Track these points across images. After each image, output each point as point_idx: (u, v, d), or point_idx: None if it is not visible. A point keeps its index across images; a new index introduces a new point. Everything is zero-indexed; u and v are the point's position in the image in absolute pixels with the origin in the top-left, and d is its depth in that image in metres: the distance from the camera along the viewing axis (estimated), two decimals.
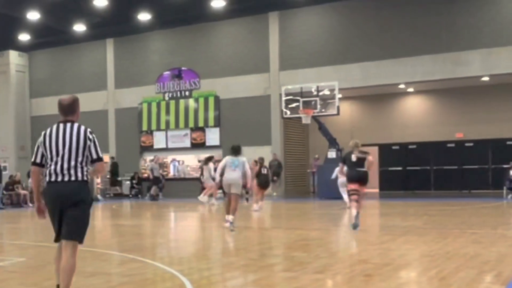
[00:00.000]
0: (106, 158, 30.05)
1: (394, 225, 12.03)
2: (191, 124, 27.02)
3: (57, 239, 5.12)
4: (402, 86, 24.20)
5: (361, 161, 11.65)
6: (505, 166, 21.83)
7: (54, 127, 5.08)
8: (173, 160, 27.79)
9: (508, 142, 23.25)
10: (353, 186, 11.57)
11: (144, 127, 28.15)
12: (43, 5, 23.37)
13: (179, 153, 27.44)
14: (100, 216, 18.12)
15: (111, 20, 25.59)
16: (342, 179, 17.73)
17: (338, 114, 22.20)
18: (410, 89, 25.30)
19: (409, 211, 15.89)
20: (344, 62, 23.47)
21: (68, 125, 5.08)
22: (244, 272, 6.66)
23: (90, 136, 5.08)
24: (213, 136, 26.48)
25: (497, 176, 22.66)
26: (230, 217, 11.69)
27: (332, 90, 22.04)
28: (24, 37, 28.14)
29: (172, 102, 27.53)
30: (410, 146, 25.18)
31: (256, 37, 25.62)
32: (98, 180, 29.82)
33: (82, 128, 5.09)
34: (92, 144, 5.07)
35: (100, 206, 22.22)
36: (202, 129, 26.79)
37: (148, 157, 28.49)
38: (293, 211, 16.93)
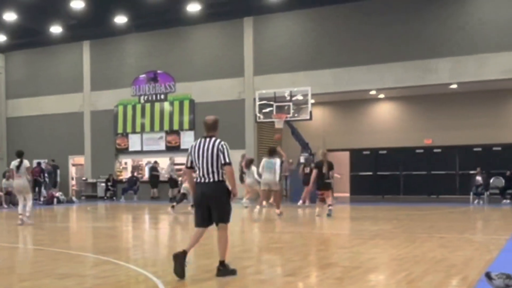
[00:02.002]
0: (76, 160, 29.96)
1: (364, 229, 12.22)
2: (166, 127, 27.06)
3: (197, 225, 6.87)
4: (373, 92, 24.53)
5: (328, 173, 14.69)
6: (471, 172, 22.29)
7: (199, 140, 6.75)
8: (148, 162, 27.79)
9: (475, 149, 23.72)
10: (321, 192, 15.01)
11: (120, 130, 28.10)
12: (20, 6, 23.12)
13: (154, 155, 27.43)
14: (74, 218, 18.05)
15: (87, 22, 25.43)
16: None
17: (310, 119, 22.41)
18: (381, 96, 25.64)
19: (379, 215, 16.10)
20: (317, 68, 23.75)
21: (208, 139, 6.69)
22: None
23: (221, 147, 6.61)
24: (188, 139, 26.49)
25: (464, 181, 23.11)
26: (277, 211, 14.29)
27: (305, 95, 22.26)
28: (0, 38, 27.77)
29: (148, 105, 27.53)
30: (380, 152, 25.49)
31: (231, 41, 25.77)
32: (73, 182, 29.80)
33: (217, 141, 6.65)
34: (221, 153, 6.58)
35: (74, 208, 22.09)
36: (177, 132, 26.84)
37: (123, 159, 28.50)
38: (265, 214, 17.02)
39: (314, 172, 14.98)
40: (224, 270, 6.65)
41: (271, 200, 17.30)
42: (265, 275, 6.83)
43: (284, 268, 7.20)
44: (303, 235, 11.75)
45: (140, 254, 9.11)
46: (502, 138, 23.25)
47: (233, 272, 6.68)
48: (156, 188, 26.00)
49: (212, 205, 6.63)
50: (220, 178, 6.62)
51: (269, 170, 14.30)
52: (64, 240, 11.38)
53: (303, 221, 15.13)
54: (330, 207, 14.74)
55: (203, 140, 6.72)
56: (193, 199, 7.05)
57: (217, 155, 6.56)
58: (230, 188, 6.71)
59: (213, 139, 6.67)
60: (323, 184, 14.82)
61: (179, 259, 6.53)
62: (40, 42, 28.89)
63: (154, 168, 26.35)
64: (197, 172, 6.70)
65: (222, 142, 6.65)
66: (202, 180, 6.65)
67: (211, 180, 6.59)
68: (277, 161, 14.45)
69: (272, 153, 14.78)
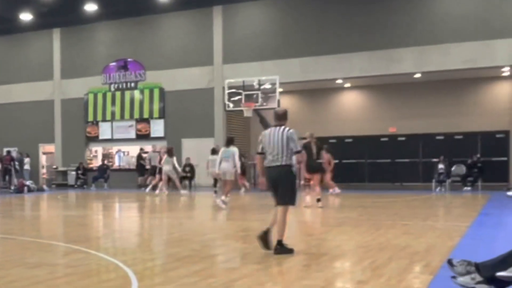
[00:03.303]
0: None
1: (330, 216, 12.46)
2: (136, 115, 26.98)
3: (276, 204, 7.44)
4: (339, 81, 24.81)
5: (319, 153, 14.12)
6: (434, 160, 22.79)
7: (270, 129, 7.38)
8: (119, 151, 27.70)
9: (438, 137, 24.20)
10: (310, 176, 14.26)
11: (90, 118, 27.91)
12: None
13: (124, 144, 27.36)
14: (45, 207, 17.90)
15: (58, 10, 25.19)
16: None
17: (278, 107, 22.56)
18: (347, 85, 25.94)
19: (345, 202, 16.34)
20: (285, 57, 23.92)
21: (278, 128, 7.34)
22: (186, 262, 6.79)
23: (290, 135, 7.25)
24: (157, 128, 26.53)
25: (427, 169, 23.59)
26: (223, 198, 14.11)
27: (273, 84, 22.43)
28: None
29: (118, 93, 27.39)
30: (346, 140, 25.76)
31: (200, 30, 25.75)
32: (44, 170, 29.53)
33: (287, 129, 7.30)
34: (292, 141, 7.23)
35: (45, 196, 21.88)
36: (147, 121, 26.80)
37: (94, 147, 28.32)
38: (234, 202, 17.16)
39: (303, 154, 14.35)
40: (281, 248, 7.24)
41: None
42: (233, 263, 6.95)
43: (252, 256, 7.30)
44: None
45: (111, 242, 9.15)
46: (464, 127, 23.78)
47: (290, 251, 7.27)
48: (143, 176, 25.73)
49: (278, 187, 7.30)
50: (288, 163, 7.24)
51: (226, 159, 14.31)
52: (34, 229, 11.36)
53: (271, 209, 15.27)
54: (320, 202, 14.04)
55: (273, 128, 7.39)
56: (260, 182, 7.78)
57: (287, 142, 7.21)
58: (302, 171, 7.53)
59: (283, 127, 7.34)
60: (313, 166, 14.00)
61: (264, 238, 7.29)
62: (10, 30, 28.54)
63: (140, 156, 26.04)
64: (268, 157, 7.33)
65: (291, 130, 7.33)
66: (272, 164, 7.29)
67: (280, 164, 7.22)
68: (235, 150, 14.43)
69: (229, 142, 14.66)
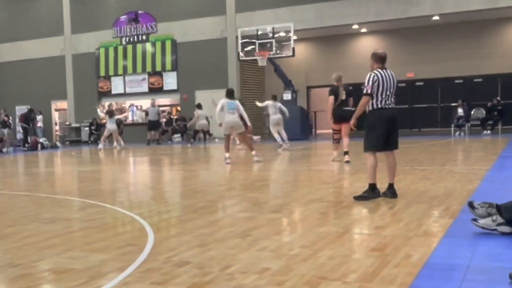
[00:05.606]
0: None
1: (346, 164, 12.33)
2: (149, 69, 26.80)
3: (379, 149, 7.46)
4: (355, 26, 24.33)
5: (348, 99, 12.49)
6: (453, 104, 22.45)
7: (382, 72, 7.14)
8: (132, 105, 27.65)
9: (456, 81, 23.78)
10: (338, 127, 12.69)
11: (102, 73, 27.81)
12: None
13: (137, 98, 27.29)
14: (59, 163, 18.00)
15: None
16: (276, 116, 17.88)
17: (293, 55, 22.26)
18: (363, 30, 25.44)
19: (362, 149, 16.12)
20: (299, 3, 23.45)
21: (388, 71, 7.22)
22: (202, 214, 6.75)
23: (396, 79, 7.24)
24: (170, 80, 26.37)
25: (446, 114, 23.30)
26: (253, 152, 13.77)
27: (287, 32, 22.07)
28: None
29: (129, 47, 27.15)
30: (363, 86, 25.46)
31: None
32: (57, 127, 29.65)
33: (393, 73, 7.25)
34: (397, 86, 7.22)
35: (59, 153, 22.02)
36: (159, 74, 26.60)
37: (106, 102, 28.31)
38: (249, 152, 17.15)
39: (330, 99, 12.49)
40: (393, 191, 7.34)
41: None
42: (249, 212, 6.89)
43: (268, 205, 7.27)
44: (287, 172, 11.85)
45: (126, 196, 9.14)
46: (484, 70, 23.32)
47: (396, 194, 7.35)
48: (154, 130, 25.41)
49: (394, 130, 7.33)
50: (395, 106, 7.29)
51: (232, 112, 13.21)
52: (49, 185, 11.38)
53: (287, 158, 15.22)
54: (346, 155, 12.64)
55: (384, 71, 7.21)
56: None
57: (396, 86, 7.26)
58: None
59: (390, 71, 7.27)
60: (343, 114, 12.17)
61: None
62: None
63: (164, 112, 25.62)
64: (380, 99, 7.15)
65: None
66: (390, 106, 7.21)
67: (393, 106, 7.27)
68: (238, 103, 13.41)
69: (232, 94, 13.51)
